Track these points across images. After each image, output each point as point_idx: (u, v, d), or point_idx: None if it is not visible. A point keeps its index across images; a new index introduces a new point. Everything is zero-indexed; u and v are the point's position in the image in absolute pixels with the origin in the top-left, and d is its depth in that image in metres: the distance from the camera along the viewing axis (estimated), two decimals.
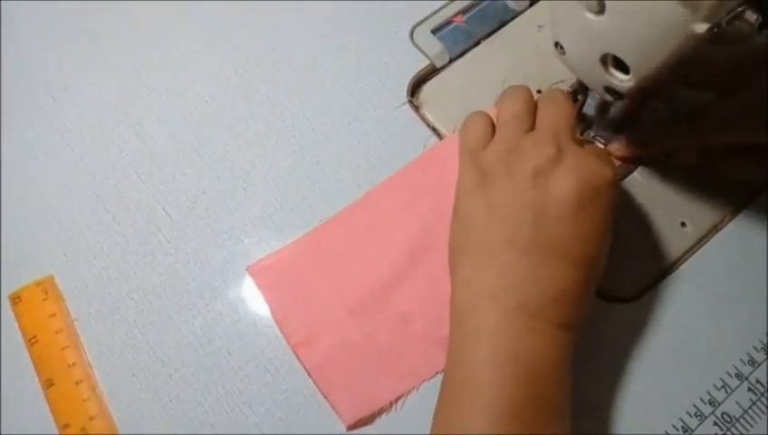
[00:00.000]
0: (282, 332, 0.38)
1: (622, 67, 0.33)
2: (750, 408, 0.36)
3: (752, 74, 0.37)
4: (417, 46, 0.46)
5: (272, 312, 0.38)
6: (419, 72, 0.45)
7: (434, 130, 0.43)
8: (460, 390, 0.32)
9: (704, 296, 0.39)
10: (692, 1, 0.28)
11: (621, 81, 0.34)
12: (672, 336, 0.38)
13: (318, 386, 0.37)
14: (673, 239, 0.40)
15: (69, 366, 0.37)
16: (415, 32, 0.46)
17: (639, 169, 0.42)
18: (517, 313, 0.32)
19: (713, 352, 0.37)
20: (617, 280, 0.39)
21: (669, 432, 0.36)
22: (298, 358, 0.37)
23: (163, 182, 0.42)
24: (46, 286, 0.39)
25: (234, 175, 0.42)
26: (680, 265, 0.40)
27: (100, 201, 0.42)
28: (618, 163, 0.42)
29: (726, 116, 0.37)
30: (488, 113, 0.39)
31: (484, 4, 0.47)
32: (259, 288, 0.39)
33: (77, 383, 0.37)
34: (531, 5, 0.47)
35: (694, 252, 0.40)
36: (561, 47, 0.36)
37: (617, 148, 0.42)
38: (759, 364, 0.37)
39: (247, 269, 0.39)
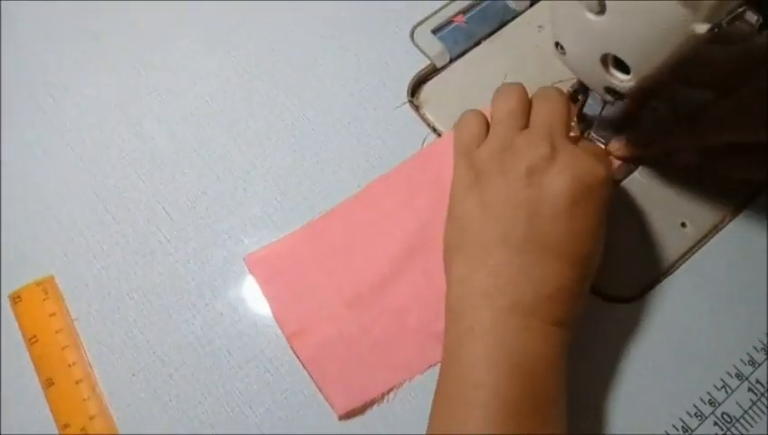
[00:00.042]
0: (276, 321, 0.38)
1: (623, 67, 0.33)
2: (750, 408, 0.36)
3: (752, 74, 0.37)
4: (417, 46, 0.46)
5: (268, 302, 0.38)
6: (420, 72, 0.45)
7: (434, 129, 0.43)
8: (455, 389, 0.33)
9: (704, 296, 0.39)
10: (692, 1, 0.28)
11: (622, 81, 0.34)
12: (672, 336, 0.38)
13: (312, 377, 0.37)
14: (673, 239, 0.40)
15: (69, 366, 0.37)
16: (415, 32, 0.46)
17: (639, 169, 0.42)
18: (511, 312, 0.33)
19: (713, 352, 0.37)
20: (617, 280, 0.39)
21: (669, 432, 0.36)
22: (292, 349, 0.37)
23: (163, 182, 0.42)
24: (46, 286, 0.39)
25: (234, 175, 0.42)
26: (680, 265, 0.40)
27: (100, 201, 0.42)
28: (618, 163, 0.42)
29: (726, 116, 0.37)
30: (483, 111, 0.39)
31: (484, 4, 0.47)
32: (256, 279, 0.39)
33: (77, 383, 0.37)
34: (531, 5, 0.47)
35: (694, 252, 0.40)
36: (562, 47, 0.36)
37: (617, 148, 0.42)
38: (759, 364, 0.37)
39: (245, 259, 0.39)
